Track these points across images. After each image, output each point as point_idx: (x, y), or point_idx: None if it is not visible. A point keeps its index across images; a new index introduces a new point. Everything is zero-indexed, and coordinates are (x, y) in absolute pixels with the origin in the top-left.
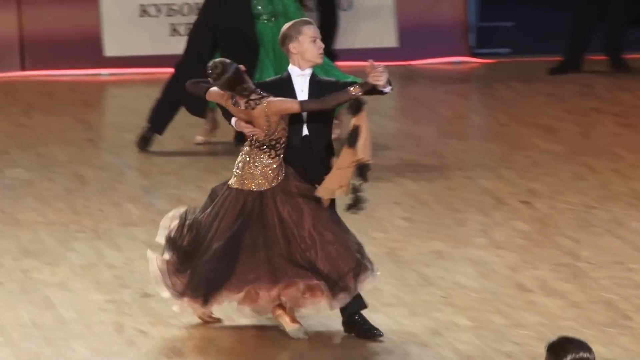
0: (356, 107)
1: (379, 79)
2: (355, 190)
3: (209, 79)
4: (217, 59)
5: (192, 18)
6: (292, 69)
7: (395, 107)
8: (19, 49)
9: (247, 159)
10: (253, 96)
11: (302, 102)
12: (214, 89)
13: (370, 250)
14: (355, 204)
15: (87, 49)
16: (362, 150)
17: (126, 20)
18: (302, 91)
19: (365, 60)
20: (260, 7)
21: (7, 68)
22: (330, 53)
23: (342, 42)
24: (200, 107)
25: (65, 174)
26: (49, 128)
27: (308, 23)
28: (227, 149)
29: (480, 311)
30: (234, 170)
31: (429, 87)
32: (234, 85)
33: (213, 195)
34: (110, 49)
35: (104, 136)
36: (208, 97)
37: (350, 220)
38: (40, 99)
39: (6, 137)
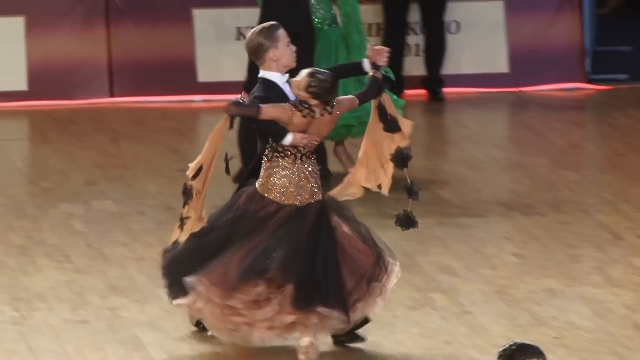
0: (378, 89)
1: (384, 59)
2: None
3: (314, 93)
4: (312, 72)
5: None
6: (274, 75)
7: (505, 135)
8: (108, 74)
9: (297, 174)
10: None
11: (358, 96)
12: (268, 106)
13: (478, 287)
14: (408, 222)
15: (179, 74)
16: (405, 133)
17: (221, 43)
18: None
19: (473, 86)
20: (322, 12)
21: (95, 94)
22: (438, 79)
23: (450, 67)
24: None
25: (156, 206)
26: (138, 158)
27: (278, 27)
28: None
29: (595, 353)
30: (280, 190)
31: (541, 115)
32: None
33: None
34: (204, 74)
35: None
36: (264, 115)
37: (456, 256)
38: (129, 126)
39: (94, 167)
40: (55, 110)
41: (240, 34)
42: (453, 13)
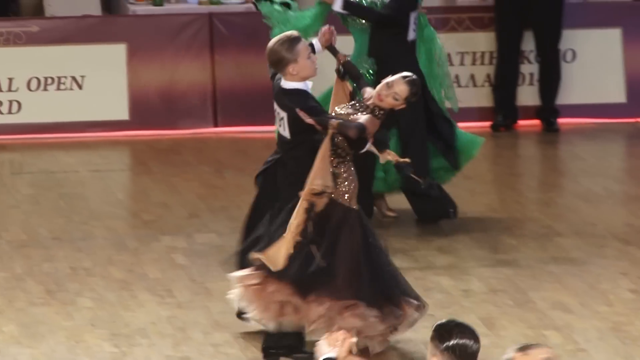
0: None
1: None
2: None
3: (412, 100)
4: (409, 80)
5: None
6: (298, 85)
7: (622, 168)
8: (212, 103)
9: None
10: None
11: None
12: (367, 121)
13: (593, 324)
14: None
15: None
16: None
17: (329, 70)
18: None
19: (589, 117)
20: None
21: (199, 124)
22: (553, 109)
23: (564, 96)
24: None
25: None
26: (242, 189)
27: (299, 40)
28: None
29: None
30: (345, 187)
31: None
32: None
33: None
34: None
35: None
36: (368, 132)
37: (571, 292)
38: (233, 157)
39: (197, 199)
40: (158, 140)
41: None
42: (568, 41)
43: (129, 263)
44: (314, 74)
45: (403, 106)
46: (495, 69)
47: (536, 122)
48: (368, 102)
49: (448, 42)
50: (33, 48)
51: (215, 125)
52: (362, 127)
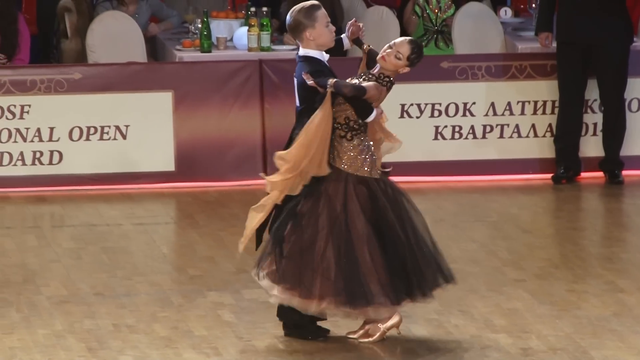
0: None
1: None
2: None
3: (414, 62)
4: (411, 40)
5: (459, 119)
6: (313, 52)
7: None
8: (262, 153)
9: (370, 146)
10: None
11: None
12: (370, 85)
13: None
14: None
15: None
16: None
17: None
18: None
19: None
20: None
21: (248, 175)
22: (617, 161)
23: (629, 148)
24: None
25: None
26: None
27: (318, 7)
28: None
29: None
30: (365, 158)
31: None
32: None
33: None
34: None
35: None
36: (368, 95)
37: (634, 350)
38: None
39: (244, 254)
40: (204, 192)
41: (404, 112)
42: (633, 90)
43: (173, 320)
44: (331, 44)
45: (406, 68)
46: (557, 118)
47: (599, 174)
48: (374, 72)
49: (509, 91)
50: (75, 96)
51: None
52: (359, 87)
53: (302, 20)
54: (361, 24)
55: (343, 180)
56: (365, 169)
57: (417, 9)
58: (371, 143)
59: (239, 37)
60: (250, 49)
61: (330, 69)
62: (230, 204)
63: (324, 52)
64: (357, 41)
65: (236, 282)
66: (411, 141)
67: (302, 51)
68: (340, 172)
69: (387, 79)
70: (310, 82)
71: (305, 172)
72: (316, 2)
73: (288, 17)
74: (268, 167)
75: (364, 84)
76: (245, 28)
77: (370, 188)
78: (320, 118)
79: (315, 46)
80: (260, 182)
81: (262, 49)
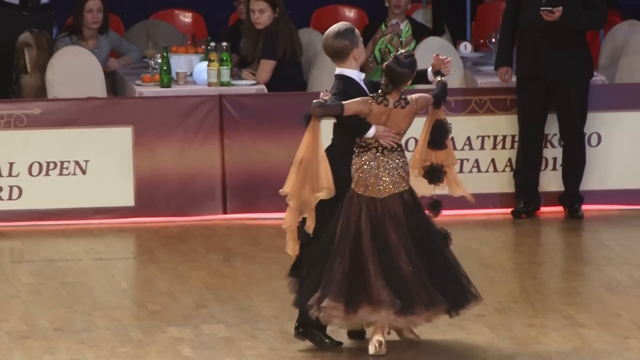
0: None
1: (448, 68)
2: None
3: (403, 69)
4: (405, 53)
5: None
6: (352, 72)
7: None
8: (221, 189)
9: (373, 166)
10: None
11: (433, 96)
12: (351, 101)
13: None
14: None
15: None
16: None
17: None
18: None
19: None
20: None
21: (208, 211)
22: (577, 195)
23: (589, 182)
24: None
25: (271, 330)
26: (252, 278)
27: (354, 27)
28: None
29: None
30: (358, 175)
31: None
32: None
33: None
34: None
35: None
36: (347, 112)
37: None
38: (243, 245)
39: (204, 289)
40: (164, 228)
41: None
42: (593, 124)
43: (133, 355)
44: (365, 60)
45: (384, 75)
46: (517, 153)
47: (559, 208)
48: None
49: (468, 125)
50: (35, 131)
51: (225, 212)
52: (332, 106)
53: (348, 42)
54: (445, 58)
55: (355, 197)
56: (378, 187)
57: (377, 54)
58: (397, 163)
59: (198, 72)
60: (210, 84)
61: (361, 88)
62: (190, 239)
63: (361, 73)
64: (437, 73)
65: (196, 317)
66: None
67: (339, 70)
68: (352, 189)
69: (382, 96)
70: (325, 98)
71: (307, 198)
72: (348, 23)
73: (328, 43)
74: (228, 203)
75: (345, 101)
76: (205, 63)
77: (374, 207)
78: (306, 141)
79: (357, 65)
80: (219, 217)
81: (222, 84)
